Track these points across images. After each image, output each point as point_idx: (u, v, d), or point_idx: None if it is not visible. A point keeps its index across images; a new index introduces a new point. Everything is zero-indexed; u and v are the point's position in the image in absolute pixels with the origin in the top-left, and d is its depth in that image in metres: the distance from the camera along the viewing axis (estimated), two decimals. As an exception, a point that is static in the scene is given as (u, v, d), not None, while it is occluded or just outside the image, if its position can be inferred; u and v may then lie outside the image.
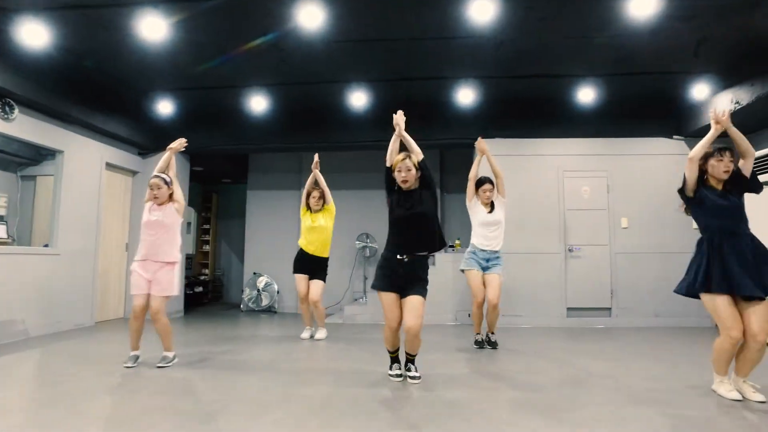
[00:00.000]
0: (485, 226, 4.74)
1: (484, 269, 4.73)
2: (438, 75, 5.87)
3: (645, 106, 6.55)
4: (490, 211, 4.77)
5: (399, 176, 3.41)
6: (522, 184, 6.64)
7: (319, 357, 4.54)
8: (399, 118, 3.51)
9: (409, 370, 3.54)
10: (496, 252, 4.74)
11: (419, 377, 3.47)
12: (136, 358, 3.88)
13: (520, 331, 6.00)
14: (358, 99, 6.34)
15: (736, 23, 4.48)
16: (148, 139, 7.23)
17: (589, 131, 6.74)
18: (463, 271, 4.81)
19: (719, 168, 3.07)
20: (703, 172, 3.14)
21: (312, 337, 5.34)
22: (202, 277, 9.63)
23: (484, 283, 4.71)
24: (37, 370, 3.87)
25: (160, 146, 7.41)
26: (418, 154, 3.47)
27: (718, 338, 3.02)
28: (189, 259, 9.23)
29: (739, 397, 3.01)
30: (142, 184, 7.36)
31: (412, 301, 3.33)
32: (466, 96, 6.24)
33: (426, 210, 3.38)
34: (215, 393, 3.17)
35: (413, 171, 3.41)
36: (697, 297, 3.10)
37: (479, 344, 4.85)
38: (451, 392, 3.22)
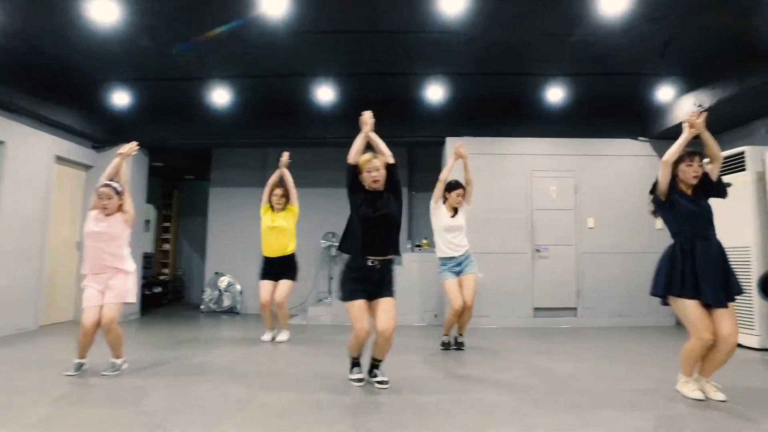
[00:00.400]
0: (448, 231, 4.62)
1: (459, 273, 4.62)
2: (407, 71, 5.74)
3: (612, 107, 6.61)
4: (453, 216, 4.66)
5: (369, 177, 3.29)
6: (490, 183, 6.59)
7: (281, 360, 4.35)
8: (367, 117, 3.40)
9: (375, 375, 3.39)
10: (464, 254, 4.65)
11: (388, 381, 3.33)
12: (81, 365, 3.59)
13: (486, 331, 5.95)
14: (325, 94, 6.17)
15: (702, 26, 4.52)
16: (104, 131, 6.87)
17: (558, 131, 6.76)
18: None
19: (689, 173, 3.06)
20: (673, 176, 3.12)
21: (273, 339, 5.14)
22: (162, 277, 9.24)
23: (461, 286, 4.60)
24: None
25: (117, 140, 7.03)
26: (388, 156, 3.35)
27: (689, 341, 2.98)
28: (148, 258, 8.83)
29: (702, 396, 3.00)
30: (97, 178, 6.97)
31: (386, 303, 3.24)
32: (435, 93, 6.14)
33: (393, 212, 3.29)
34: (167, 401, 2.96)
35: (382, 170, 3.30)
36: (665, 301, 3.08)
37: (445, 346, 4.76)
38: (417, 396, 3.10)
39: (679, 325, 6.38)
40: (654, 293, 3.12)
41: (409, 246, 7.49)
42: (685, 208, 3.04)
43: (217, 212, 8.32)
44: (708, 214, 3.06)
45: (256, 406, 2.87)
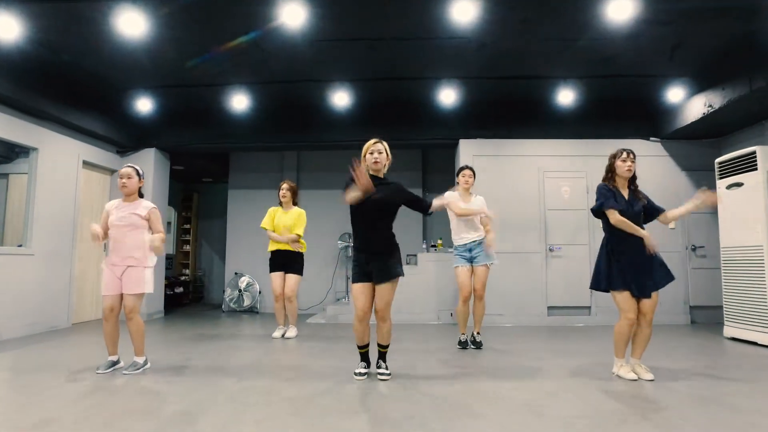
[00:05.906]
0: (459, 217, 4.67)
1: (471, 260, 4.70)
2: (420, 75, 5.90)
3: (623, 108, 6.68)
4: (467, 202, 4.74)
5: (371, 158, 3.57)
6: (503, 185, 6.71)
7: (302, 356, 4.51)
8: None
9: (379, 367, 3.56)
10: (476, 241, 4.70)
11: (389, 374, 3.51)
12: (112, 363, 3.73)
13: (502, 329, 6.06)
14: (341, 98, 6.34)
15: (710, 29, 4.60)
16: (127, 136, 7.13)
17: (569, 132, 6.84)
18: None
19: (623, 167, 3.56)
20: (611, 171, 3.61)
21: (283, 336, 5.40)
22: (183, 278, 9.50)
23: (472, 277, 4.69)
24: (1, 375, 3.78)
25: (140, 144, 7.31)
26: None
27: (618, 322, 3.52)
28: (169, 260, 9.10)
29: (635, 377, 3.49)
30: (120, 183, 7.23)
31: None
32: (447, 96, 6.28)
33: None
34: (194, 394, 3.14)
35: (384, 154, 3.56)
36: (606, 290, 3.57)
37: (463, 345, 4.79)
38: (432, 389, 3.24)
39: (694, 323, 6.44)
40: (595, 288, 3.60)
41: (424, 246, 7.63)
42: (622, 212, 3.45)
43: (236, 214, 8.54)
44: (638, 216, 3.51)
45: (280, 399, 3.03)
